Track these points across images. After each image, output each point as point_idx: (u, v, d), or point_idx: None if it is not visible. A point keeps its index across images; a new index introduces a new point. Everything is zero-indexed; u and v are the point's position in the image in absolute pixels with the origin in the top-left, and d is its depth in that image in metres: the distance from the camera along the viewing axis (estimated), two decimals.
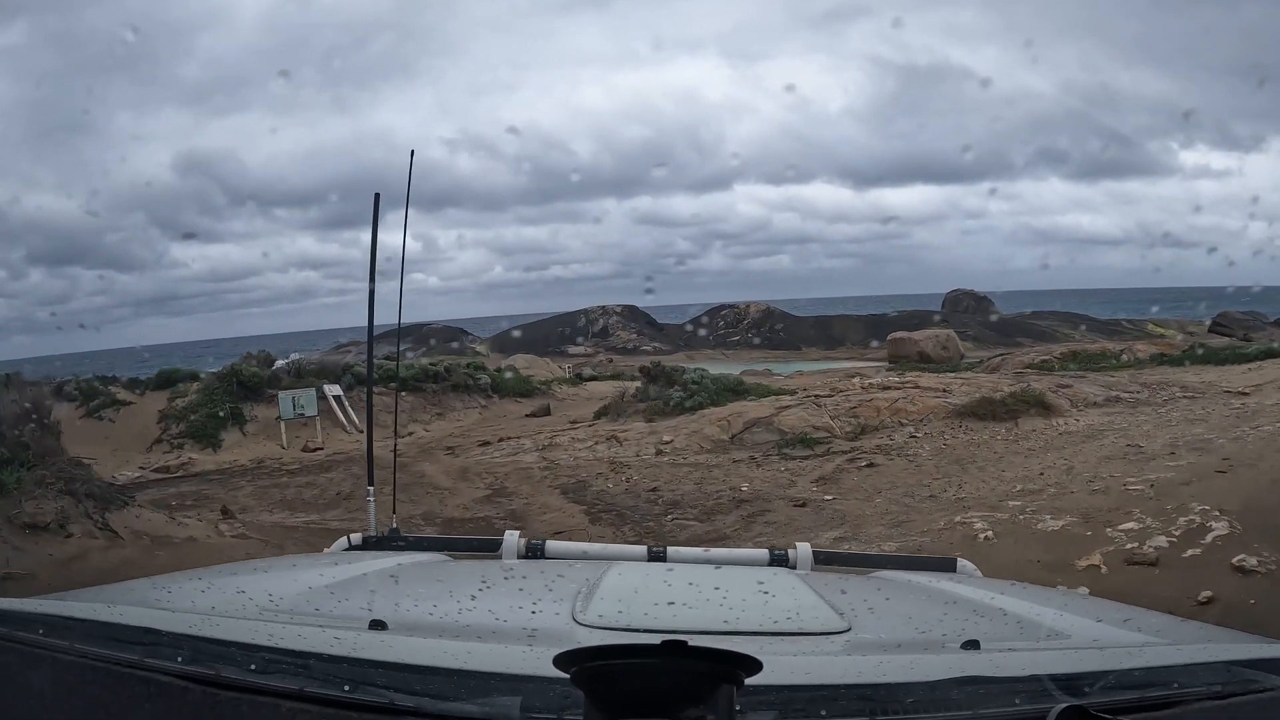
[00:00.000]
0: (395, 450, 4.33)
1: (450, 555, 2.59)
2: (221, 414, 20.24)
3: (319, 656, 1.18)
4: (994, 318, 59.21)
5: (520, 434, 18.76)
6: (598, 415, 20.18)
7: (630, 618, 1.65)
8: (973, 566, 2.61)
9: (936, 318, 56.75)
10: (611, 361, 48.41)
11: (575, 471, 14.52)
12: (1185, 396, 16.28)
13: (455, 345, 54.98)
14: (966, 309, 61.38)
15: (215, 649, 1.19)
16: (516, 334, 60.31)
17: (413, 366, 25.08)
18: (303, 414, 20.12)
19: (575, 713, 0.99)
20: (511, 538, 2.55)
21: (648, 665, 0.90)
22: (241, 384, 21.51)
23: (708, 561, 2.53)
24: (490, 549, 2.62)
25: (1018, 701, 1.13)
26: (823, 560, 2.61)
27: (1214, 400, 15.73)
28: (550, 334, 63.27)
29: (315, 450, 19.25)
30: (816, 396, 17.34)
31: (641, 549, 2.63)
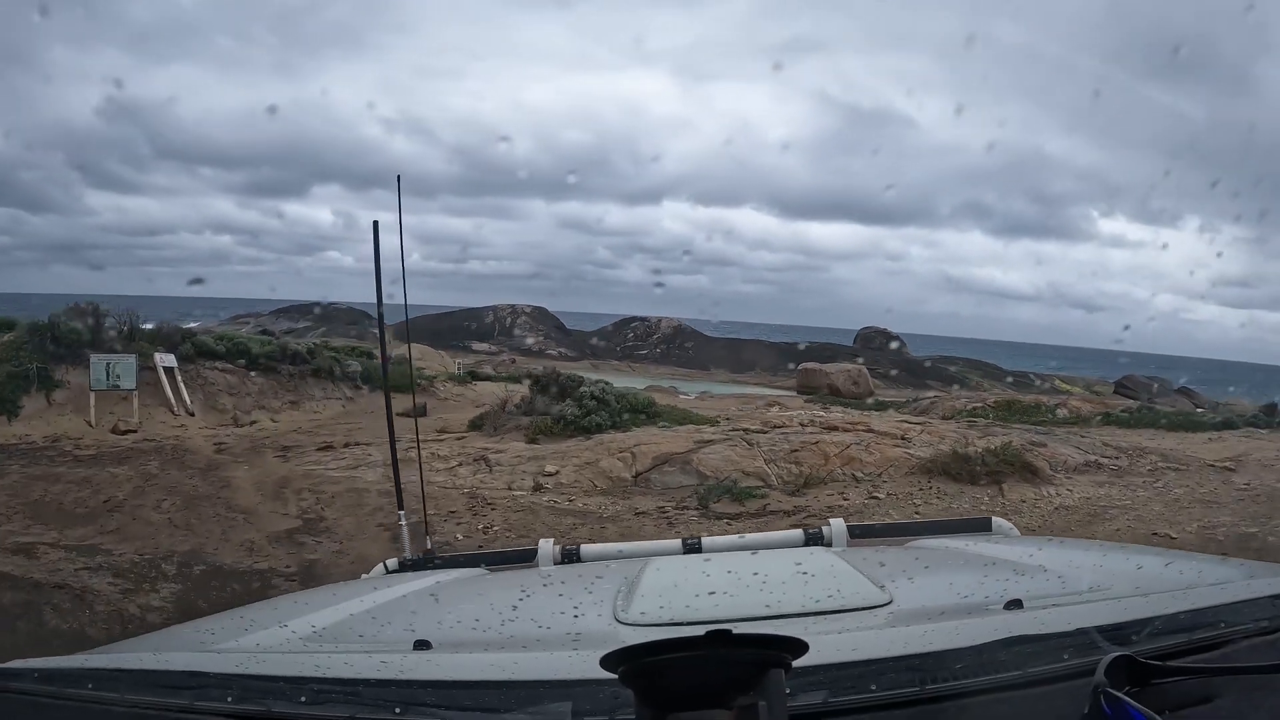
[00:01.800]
0: (420, 468, 4.36)
1: (487, 569, 2.52)
2: (29, 375, 16.03)
3: (367, 682, 1.17)
4: (891, 347, 58.21)
5: (376, 439, 15.46)
6: (473, 425, 17.10)
7: (672, 612, 1.63)
8: (1009, 525, 2.64)
9: (853, 356, 55.48)
10: (514, 362, 46.29)
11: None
12: (1169, 467, 14.12)
13: (355, 328, 51.54)
14: (878, 347, 60.07)
15: (264, 685, 1.17)
16: (422, 323, 57.24)
17: (270, 343, 21.37)
18: (118, 385, 16.36)
19: (627, 712, 0.96)
20: (546, 545, 2.55)
21: (694, 658, 0.88)
22: (57, 340, 16.89)
23: (743, 548, 2.54)
24: (526, 559, 2.59)
25: (1066, 656, 1.12)
26: (857, 534, 2.62)
27: (1203, 474, 13.78)
28: (457, 328, 61.01)
29: (127, 433, 15.66)
30: (746, 430, 14.48)
31: (676, 542, 2.61)
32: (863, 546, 2.51)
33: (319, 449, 14.93)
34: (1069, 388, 44.80)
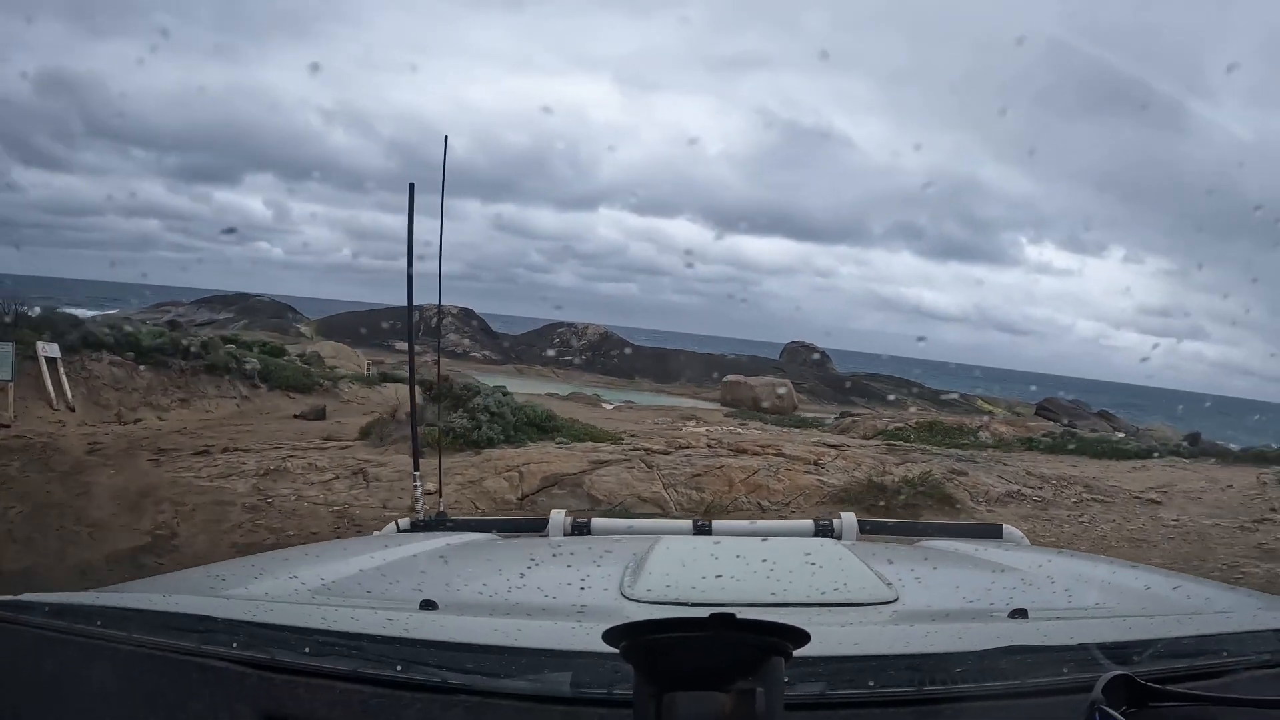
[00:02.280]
0: (440, 441, 4.85)
1: (498, 535, 2.52)
2: None
3: (371, 638, 1.17)
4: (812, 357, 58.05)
5: (260, 444, 14.32)
6: (363, 433, 15.64)
7: (678, 591, 1.62)
8: (1019, 534, 2.64)
9: (778, 370, 54.75)
10: (437, 363, 43.86)
11: (287, 521, 10.19)
12: (1094, 499, 13.28)
13: (279, 322, 51.65)
14: (804, 362, 60.14)
15: (269, 633, 1.18)
16: (345, 320, 55.95)
17: (162, 334, 19.55)
18: None
19: (625, 687, 0.96)
20: (558, 515, 2.56)
21: (697, 638, 0.88)
22: None
23: (754, 533, 2.59)
24: (537, 528, 2.58)
25: (1066, 670, 1.12)
26: (868, 530, 2.62)
27: (1129, 507, 13.03)
28: (381, 326, 59.34)
29: None
30: (648, 451, 13.30)
31: (687, 523, 2.59)
32: (872, 542, 2.50)
33: (195, 453, 13.45)
34: (991, 408, 44.95)
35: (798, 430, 22.85)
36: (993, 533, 2.67)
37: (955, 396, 52.31)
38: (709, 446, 13.81)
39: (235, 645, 1.15)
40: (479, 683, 1.07)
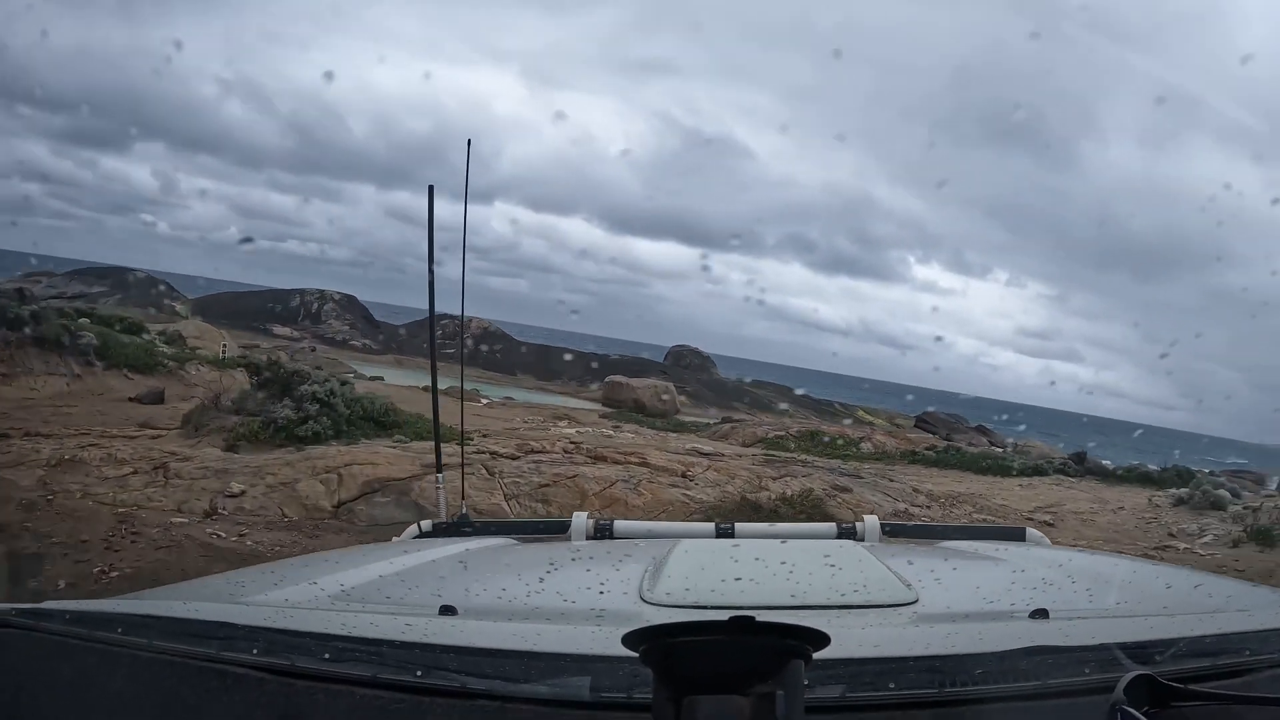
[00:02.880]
0: (462, 440, 4.65)
1: (518, 539, 2.47)
2: None
3: (391, 643, 1.15)
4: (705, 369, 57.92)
5: (68, 429, 12.49)
6: (184, 421, 13.73)
7: (698, 595, 1.60)
8: (1041, 535, 2.56)
9: (662, 372, 54.32)
10: (314, 350, 44.27)
11: (58, 525, 8.12)
12: (986, 520, 12.11)
13: (154, 298, 48.09)
14: (688, 365, 59.50)
15: (289, 640, 1.16)
16: (225, 301, 54.38)
17: None
18: None
19: (644, 691, 0.95)
20: (580, 518, 2.50)
21: (716, 642, 0.88)
22: None
23: (774, 536, 2.54)
24: (558, 531, 2.54)
25: (1087, 670, 1.10)
26: (890, 532, 2.57)
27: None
28: (262, 309, 57.24)
29: None
30: (494, 455, 11.56)
31: (709, 526, 2.58)
32: (894, 544, 2.45)
33: None
34: (873, 419, 44.87)
35: (674, 435, 21.74)
36: (1015, 535, 2.57)
37: (838, 406, 52.73)
38: (565, 452, 12.17)
39: (255, 652, 1.12)
40: (498, 688, 1.04)
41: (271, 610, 1.41)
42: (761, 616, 0.87)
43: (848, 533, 2.49)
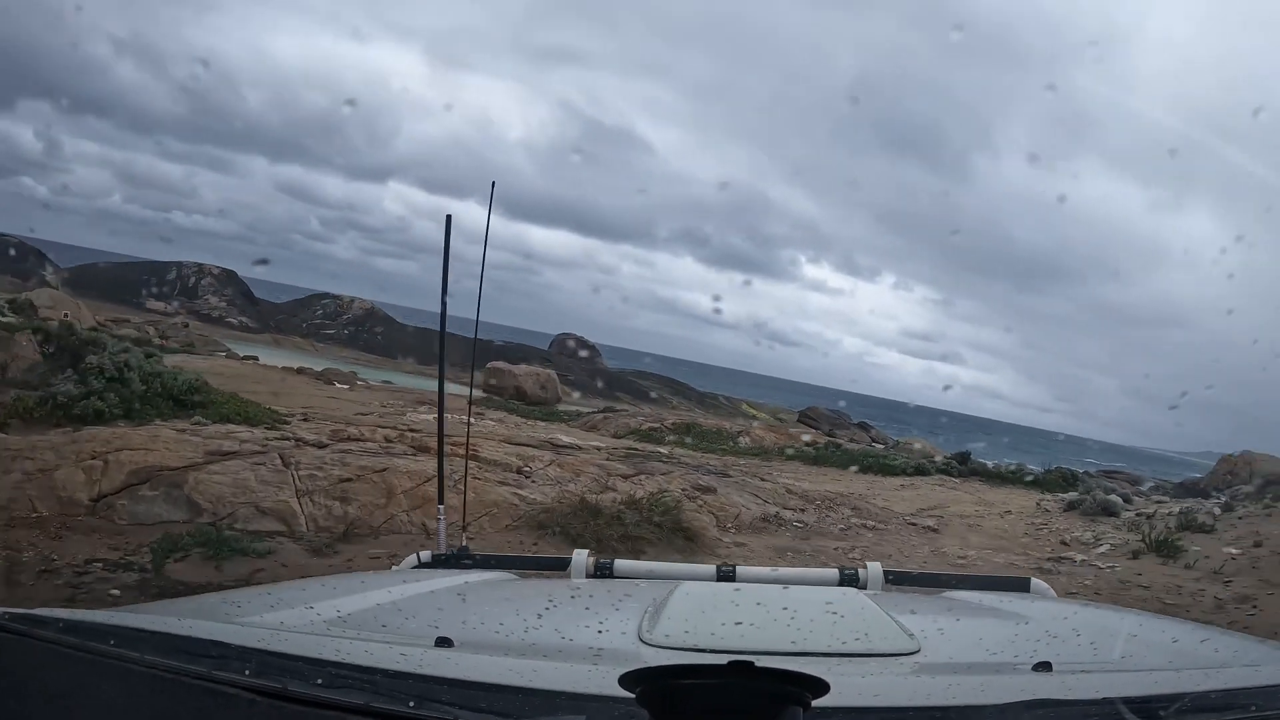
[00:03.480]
0: (466, 463, 4.24)
1: (518, 574, 2.49)
2: None
3: (385, 672, 1.14)
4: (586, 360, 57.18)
5: None
6: None
7: (697, 637, 1.56)
8: (1046, 586, 2.50)
9: (546, 360, 53.69)
10: (187, 326, 41.32)
11: None
12: (865, 525, 10.77)
13: (23, 267, 44.62)
14: (574, 354, 58.33)
15: (283, 663, 1.15)
16: (99, 272, 51.87)
17: None
18: None
19: None
20: (580, 556, 2.47)
21: (714, 685, 0.88)
22: None
23: (776, 581, 2.45)
24: (559, 567, 2.52)
25: None
26: (893, 580, 2.52)
27: (904, 537, 10.72)
28: (138, 281, 53.78)
29: None
30: (299, 442, 9.69)
31: (710, 568, 2.47)
32: (897, 593, 2.41)
33: None
34: (756, 413, 45.54)
35: (543, 424, 20.53)
36: (1019, 585, 2.48)
37: (723, 400, 52.95)
38: (387, 441, 10.32)
39: (248, 672, 1.10)
40: None
41: (266, 632, 1.35)
42: (761, 662, 0.87)
43: (850, 579, 2.43)
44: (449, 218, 3.14)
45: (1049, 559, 10.04)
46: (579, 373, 51.69)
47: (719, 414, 40.52)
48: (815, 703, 0.88)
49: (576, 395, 42.12)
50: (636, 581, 2.37)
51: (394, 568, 2.53)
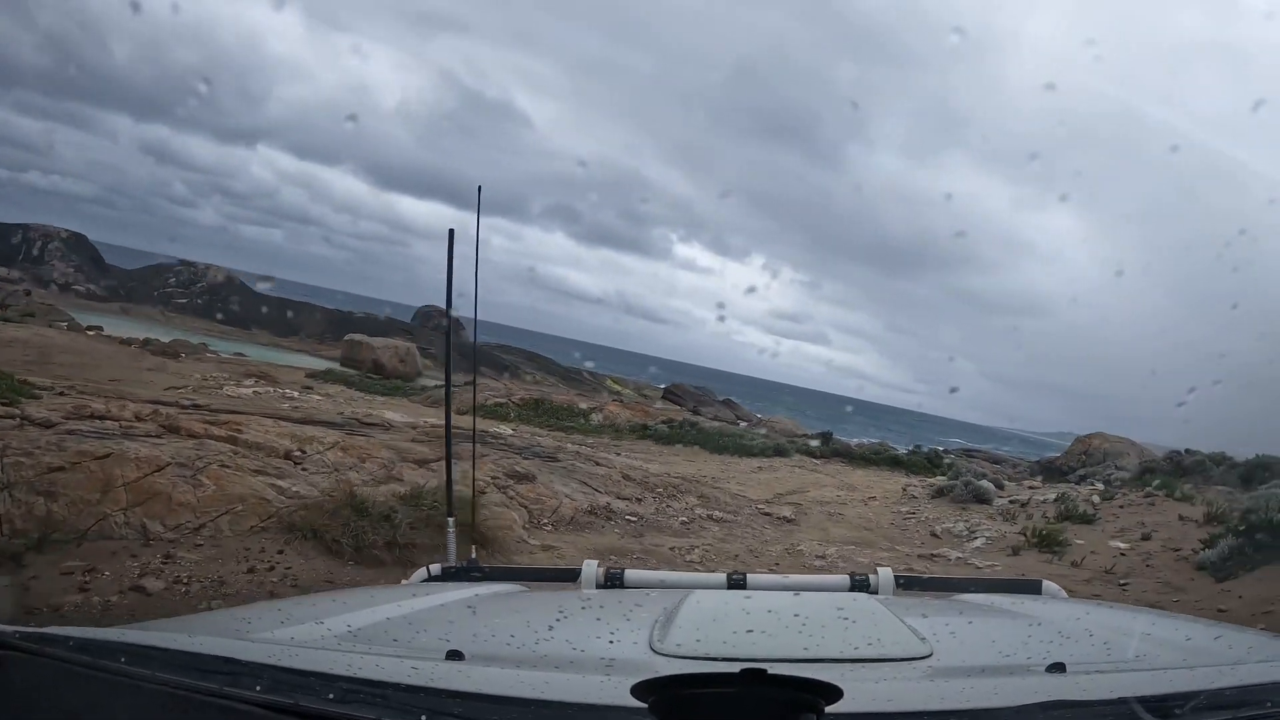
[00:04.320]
0: (474, 481, 4.00)
1: (528, 586, 2.43)
2: None
3: (396, 686, 1.12)
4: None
5: None
6: None
7: (709, 646, 1.54)
8: (1058, 587, 2.46)
9: (408, 333, 51.47)
10: (29, 295, 38.81)
11: None
12: (711, 516, 9.29)
13: None
14: (436, 326, 56.84)
15: (294, 678, 1.13)
16: None
17: None
18: None
19: None
20: (590, 567, 2.41)
21: (726, 694, 0.87)
22: None
23: (787, 588, 2.44)
24: (569, 578, 2.46)
25: None
26: (904, 585, 2.49)
27: (757, 529, 9.44)
28: None
29: None
30: (24, 420, 7.67)
31: (721, 576, 2.44)
32: (908, 597, 2.36)
33: None
34: (620, 388, 44.12)
35: (382, 399, 19.24)
36: (1032, 588, 2.44)
37: (587, 374, 51.89)
38: (138, 420, 8.27)
39: (259, 689, 1.08)
40: None
41: (277, 648, 1.33)
42: (773, 669, 0.87)
43: (861, 585, 2.40)
44: (451, 232, 3.02)
45: (920, 555, 8.76)
46: (442, 346, 51.22)
47: (582, 390, 39.16)
48: (829, 709, 0.87)
49: (437, 369, 40.46)
50: (647, 591, 2.30)
51: (404, 581, 2.47)
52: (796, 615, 1.79)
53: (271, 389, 17.08)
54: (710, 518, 9.17)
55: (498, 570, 2.67)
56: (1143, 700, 1.08)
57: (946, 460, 19.48)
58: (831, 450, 17.73)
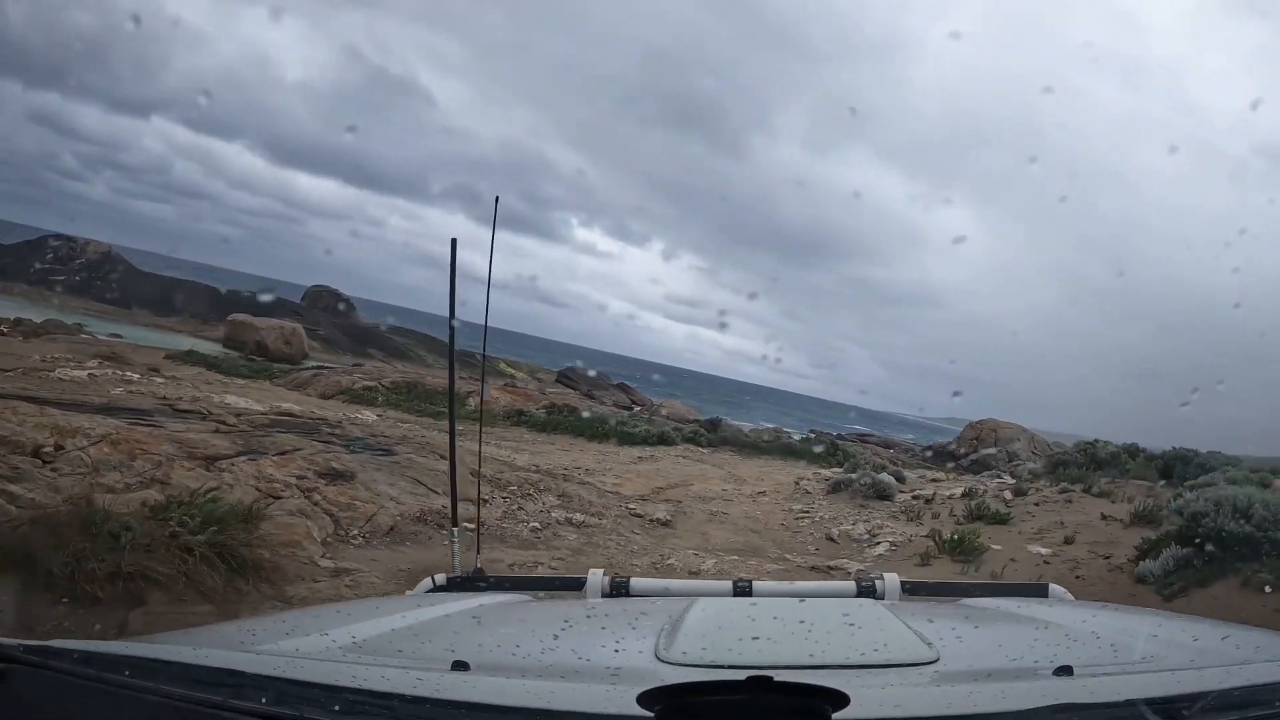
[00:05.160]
0: (479, 491, 4.02)
1: (533, 595, 2.40)
2: None
3: (402, 697, 1.09)
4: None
5: None
6: None
7: (715, 654, 1.49)
8: (1064, 591, 2.43)
9: (296, 314, 48.88)
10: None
11: None
12: (571, 519, 7.98)
13: None
14: (326, 307, 54.82)
15: (299, 690, 1.10)
16: None
17: None
18: None
19: None
20: (595, 576, 2.37)
21: (733, 702, 0.87)
22: None
23: (794, 594, 2.39)
24: (574, 587, 2.43)
25: None
26: (910, 590, 2.41)
27: (624, 534, 8.26)
28: None
29: None
30: None
31: (727, 584, 2.34)
32: (914, 603, 2.31)
33: None
34: (515, 371, 43.01)
35: (242, 381, 17.69)
36: (1039, 591, 2.38)
37: (477, 355, 51.91)
38: None
39: (264, 701, 1.05)
40: None
41: (282, 660, 1.31)
42: (780, 676, 0.87)
43: (868, 590, 2.30)
44: (454, 241, 2.96)
45: (814, 568, 7.52)
46: (329, 327, 48.73)
47: (474, 372, 38.65)
48: (835, 715, 0.86)
49: (325, 350, 40.55)
50: (652, 599, 2.23)
51: (408, 592, 2.43)
52: (802, 622, 1.73)
53: (113, 372, 15.25)
54: (569, 522, 7.83)
55: (503, 580, 2.59)
56: (1150, 702, 1.05)
57: (843, 449, 18.51)
58: (719, 438, 16.55)
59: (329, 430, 9.50)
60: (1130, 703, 1.06)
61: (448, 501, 7.64)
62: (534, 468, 9.91)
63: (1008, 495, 11.07)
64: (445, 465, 8.69)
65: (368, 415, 14.40)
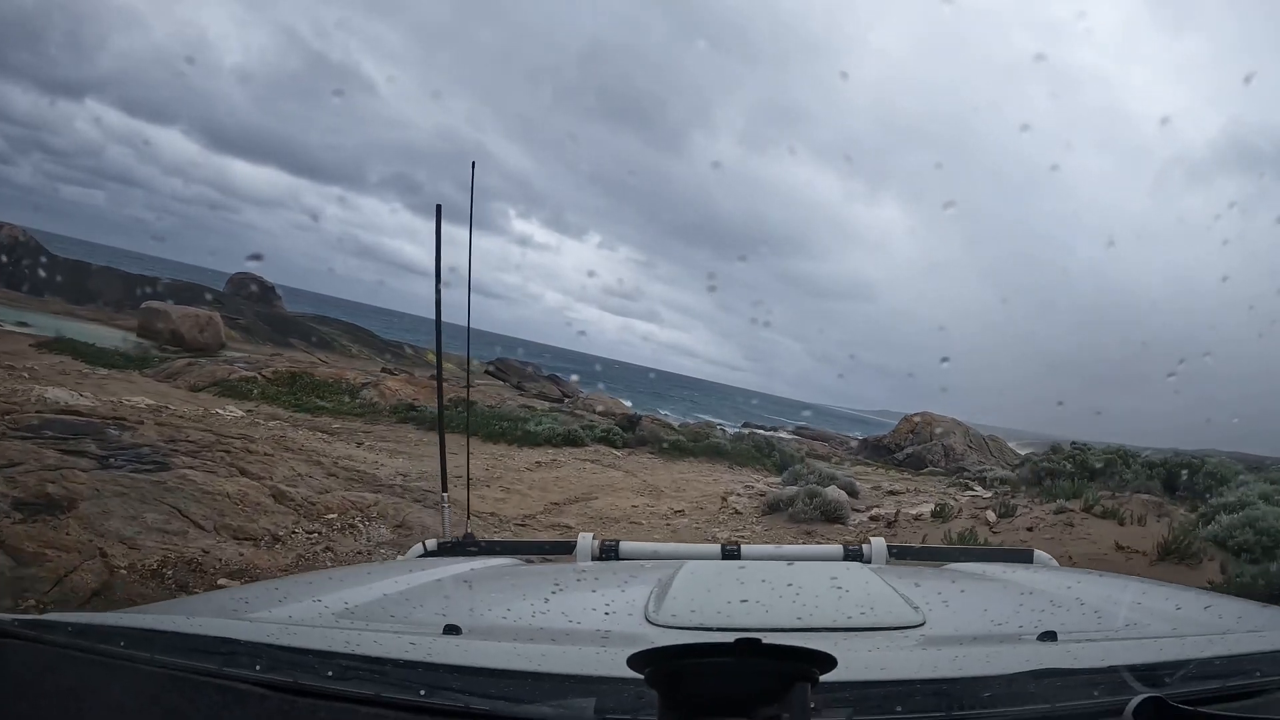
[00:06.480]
0: (468, 459, 3.77)
1: (524, 559, 2.40)
2: None
3: (394, 662, 1.09)
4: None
5: None
6: None
7: (703, 616, 1.50)
8: (1049, 557, 2.43)
9: (210, 297, 46.91)
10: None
11: None
12: (397, 538, 5.62)
13: None
14: (249, 296, 52.32)
15: (292, 657, 1.10)
16: None
17: None
18: None
19: (650, 713, 0.91)
20: (585, 539, 2.38)
21: (721, 664, 0.85)
22: None
23: (781, 558, 2.40)
24: (564, 551, 2.44)
25: (1096, 694, 1.04)
26: (897, 554, 2.47)
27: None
28: None
29: None
30: None
31: (715, 547, 2.40)
32: (901, 567, 2.36)
33: None
34: (444, 362, 41.16)
35: (117, 373, 15.49)
36: (1024, 557, 2.39)
37: (409, 349, 49.35)
38: None
39: (258, 668, 1.05)
40: (502, 708, 1.00)
41: (275, 627, 1.29)
42: (767, 639, 0.85)
43: (854, 554, 2.37)
44: (439, 207, 2.90)
45: None
46: (252, 316, 46.55)
47: (404, 363, 36.49)
48: (823, 678, 0.85)
49: (245, 340, 38.35)
50: (642, 563, 2.27)
51: (400, 557, 2.45)
52: (790, 585, 1.73)
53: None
54: (394, 541, 5.53)
55: (493, 544, 2.45)
56: (1132, 668, 1.06)
57: (780, 449, 16.20)
58: (638, 438, 14.23)
59: (116, 434, 7.07)
60: (1113, 669, 1.06)
61: (215, 540, 5.35)
62: (393, 479, 7.62)
63: (990, 516, 8.79)
64: (235, 489, 6.28)
65: (231, 411, 12.06)
